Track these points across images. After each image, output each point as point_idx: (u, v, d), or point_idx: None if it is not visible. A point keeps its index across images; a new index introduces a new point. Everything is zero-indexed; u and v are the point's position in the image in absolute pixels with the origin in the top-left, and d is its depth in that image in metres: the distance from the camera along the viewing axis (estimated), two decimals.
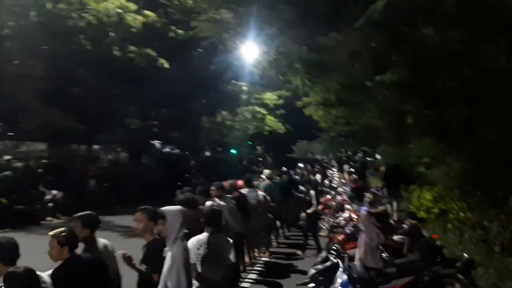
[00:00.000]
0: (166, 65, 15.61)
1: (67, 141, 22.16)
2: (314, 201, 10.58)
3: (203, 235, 4.62)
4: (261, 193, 9.48)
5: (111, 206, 15.95)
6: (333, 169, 27.34)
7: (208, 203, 6.64)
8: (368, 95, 7.45)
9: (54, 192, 14.69)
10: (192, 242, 4.51)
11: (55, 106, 18.72)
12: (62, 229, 3.73)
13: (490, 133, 4.76)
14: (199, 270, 4.46)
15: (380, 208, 8.49)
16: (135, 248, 4.51)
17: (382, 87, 5.61)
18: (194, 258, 4.42)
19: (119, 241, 9.66)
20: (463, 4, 3.55)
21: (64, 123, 19.53)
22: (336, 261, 6.34)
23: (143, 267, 4.23)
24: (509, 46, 3.45)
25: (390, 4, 3.16)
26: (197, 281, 4.43)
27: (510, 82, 3.70)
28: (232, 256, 4.67)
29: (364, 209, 8.99)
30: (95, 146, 25.08)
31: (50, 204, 14.36)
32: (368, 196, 11.98)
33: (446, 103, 5.02)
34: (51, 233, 3.70)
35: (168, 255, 3.98)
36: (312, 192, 10.87)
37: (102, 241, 4.33)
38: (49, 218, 14.01)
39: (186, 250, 4.14)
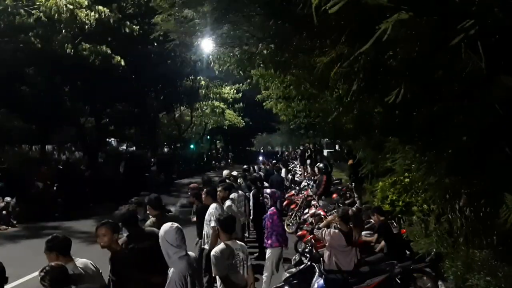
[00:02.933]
0: (122, 62, 15.02)
1: (17, 142, 21.18)
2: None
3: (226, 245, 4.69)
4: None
5: (67, 211, 15.37)
6: (295, 162, 27.33)
7: (212, 205, 6.57)
8: (331, 90, 7.41)
9: (8, 199, 13.95)
10: (220, 252, 4.55)
11: (1, 107, 17.81)
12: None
13: (457, 130, 4.78)
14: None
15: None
16: (99, 254, 4.55)
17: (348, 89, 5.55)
18: (224, 270, 4.53)
19: (81, 248, 9.27)
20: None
21: (12, 123, 18.61)
22: (309, 263, 6.25)
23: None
24: (483, 51, 3.43)
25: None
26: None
27: (479, 84, 3.71)
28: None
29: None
30: (48, 147, 24.15)
31: (4, 212, 13.62)
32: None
33: (412, 104, 5.00)
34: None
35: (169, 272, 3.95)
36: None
37: (81, 261, 4.10)
38: (3, 227, 13.36)
39: (187, 267, 3.94)
